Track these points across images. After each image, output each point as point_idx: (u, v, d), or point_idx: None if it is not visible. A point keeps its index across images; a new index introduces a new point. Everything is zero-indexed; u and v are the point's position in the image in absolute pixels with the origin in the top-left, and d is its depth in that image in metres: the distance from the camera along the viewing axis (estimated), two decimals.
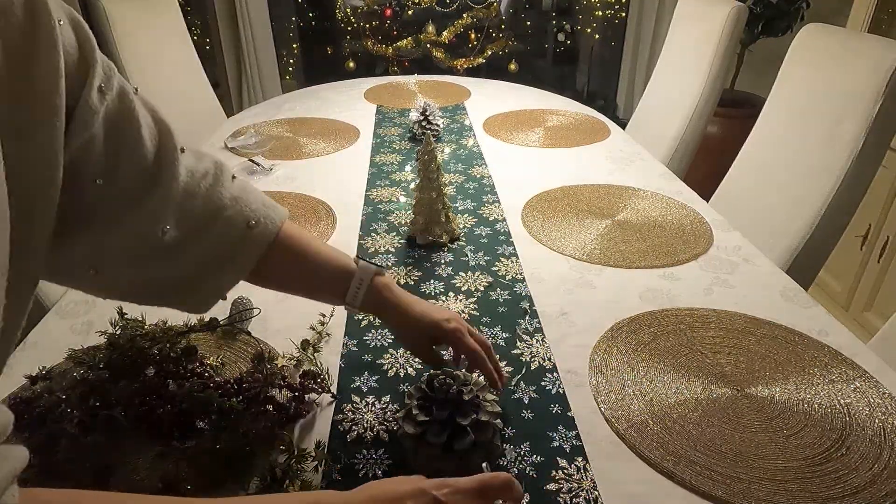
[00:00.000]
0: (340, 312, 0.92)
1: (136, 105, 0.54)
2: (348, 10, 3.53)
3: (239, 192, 0.65)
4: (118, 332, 0.74)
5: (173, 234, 0.58)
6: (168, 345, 0.74)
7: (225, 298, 0.65)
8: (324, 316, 0.89)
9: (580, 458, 0.67)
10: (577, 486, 0.64)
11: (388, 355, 0.84)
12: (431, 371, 0.66)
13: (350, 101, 2.08)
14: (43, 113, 0.43)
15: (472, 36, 3.51)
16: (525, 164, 1.53)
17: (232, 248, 0.63)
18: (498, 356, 0.83)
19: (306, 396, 0.73)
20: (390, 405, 0.75)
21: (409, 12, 3.46)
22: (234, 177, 0.66)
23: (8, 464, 0.36)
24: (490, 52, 3.50)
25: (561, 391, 0.77)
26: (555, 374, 0.80)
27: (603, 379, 0.79)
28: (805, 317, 0.92)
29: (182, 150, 0.59)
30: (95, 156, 0.50)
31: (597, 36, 3.65)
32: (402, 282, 1.01)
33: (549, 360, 0.83)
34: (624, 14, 3.44)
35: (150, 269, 0.59)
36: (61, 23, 0.45)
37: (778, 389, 0.78)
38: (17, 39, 0.41)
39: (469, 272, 1.04)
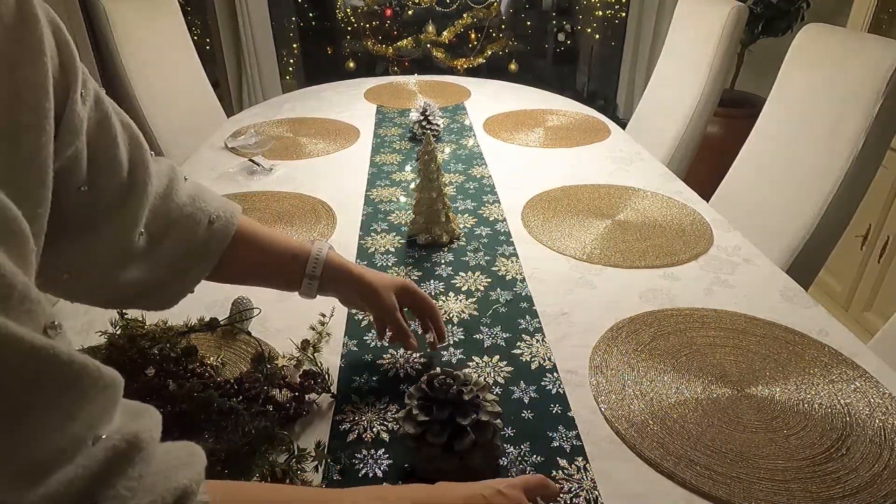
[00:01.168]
0: (340, 312, 0.92)
1: (110, 110, 0.54)
2: (348, 10, 3.53)
3: (194, 190, 0.67)
4: (118, 332, 0.74)
5: (145, 237, 0.59)
6: (168, 345, 0.74)
7: (193, 291, 0.67)
8: (324, 316, 0.89)
9: (580, 458, 0.67)
10: (577, 486, 0.64)
11: (388, 355, 0.84)
12: (431, 371, 0.66)
13: (350, 101, 2.08)
14: (31, 120, 0.41)
15: (472, 36, 3.51)
16: (525, 164, 1.53)
17: (198, 245, 0.65)
18: (497, 356, 0.84)
19: (306, 396, 0.73)
20: (390, 405, 0.75)
21: (409, 12, 3.47)
22: (185, 178, 0.68)
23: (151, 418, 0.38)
24: (490, 52, 3.50)
25: (561, 391, 0.77)
26: (555, 374, 0.80)
27: (603, 379, 0.79)
28: (805, 317, 0.92)
29: (152, 155, 0.60)
30: (81, 163, 0.50)
31: (597, 36, 3.65)
32: None
33: (549, 360, 0.83)
34: (624, 14, 3.44)
35: (124, 272, 0.59)
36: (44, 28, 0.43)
37: (778, 389, 0.78)
38: (4, 45, 0.39)
39: (469, 272, 1.04)
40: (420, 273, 1.04)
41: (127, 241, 0.57)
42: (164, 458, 0.38)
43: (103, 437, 0.33)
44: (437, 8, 3.35)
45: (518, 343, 0.86)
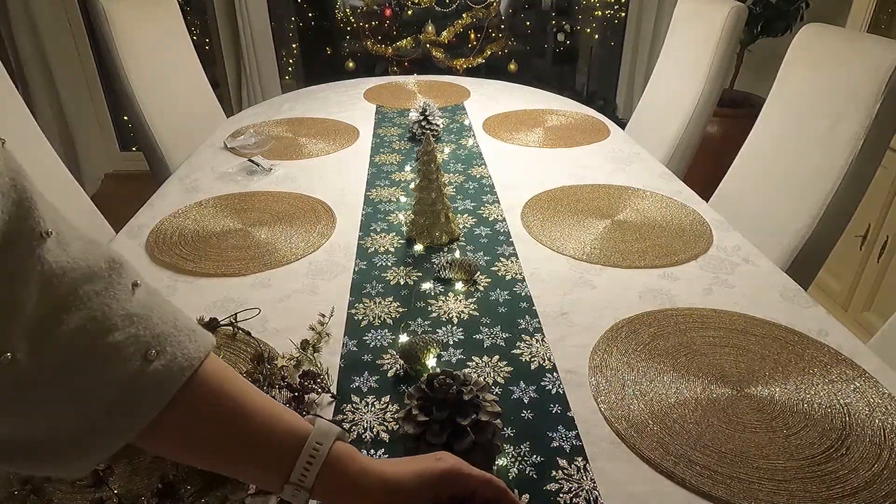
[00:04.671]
0: (340, 312, 0.92)
1: None
2: (348, 10, 3.53)
3: (140, 307, 0.44)
4: None
5: (27, 364, 0.38)
6: None
7: (105, 461, 0.51)
8: (323, 316, 0.89)
9: (580, 458, 0.67)
10: (577, 486, 0.64)
11: (388, 355, 0.84)
12: (431, 372, 0.66)
13: (350, 101, 2.08)
14: None
15: (472, 36, 3.51)
16: (525, 164, 1.53)
17: (119, 391, 0.42)
18: (497, 356, 0.84)
19: (306, 396, 0.73)
20: (390, 405, 0.75)
21: (409, 12, 3.46)
22: (136, 284, 0.45)
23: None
24: (490, 52, 3.50)
25: (561, 391, 0.77)
26: (555, 374, 0.80)
27: (603, 379, 0.79)
28: (805, 317, 0.92)
29: (47, 234, 0.39)
30: None
31: (596, 36, 3.65)
32: (402, 282, 1.01)
33: (549, 360, 0.83)
34: (623, 14, 3.44)
35: None
36: None
37: (778, 389, 0.78)
38: None
39: None
40: (420, 273, 1.04)
41: None
42: None
43: None
44: (437, 8, 3.34)
45: (518, 343, 0.86)
